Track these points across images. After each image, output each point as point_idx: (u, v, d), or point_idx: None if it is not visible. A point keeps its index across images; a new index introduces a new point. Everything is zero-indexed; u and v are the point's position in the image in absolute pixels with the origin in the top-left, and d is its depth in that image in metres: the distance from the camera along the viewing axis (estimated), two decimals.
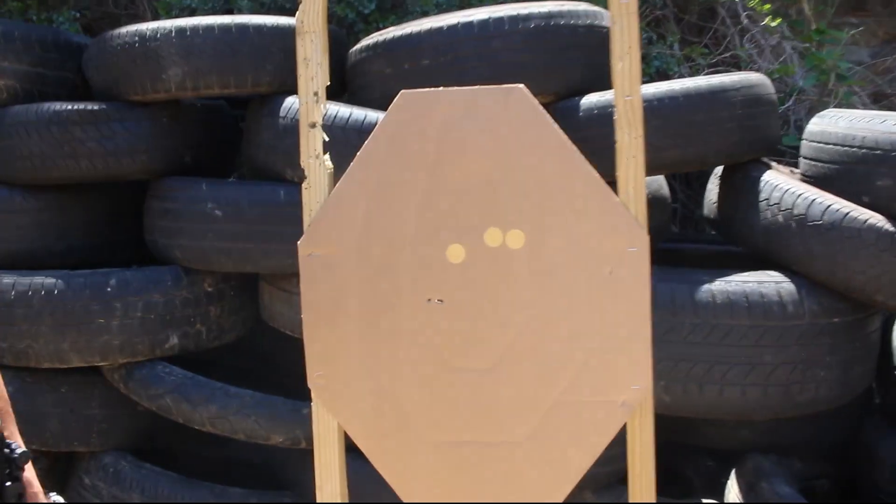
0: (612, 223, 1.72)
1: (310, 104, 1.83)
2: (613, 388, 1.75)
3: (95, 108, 2.76)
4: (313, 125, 1.83)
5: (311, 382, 1.87)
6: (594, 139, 2.14)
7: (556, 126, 1.72)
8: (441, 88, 1.79)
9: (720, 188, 2.82)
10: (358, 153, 1.80)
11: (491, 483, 1.81)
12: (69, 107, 2.76)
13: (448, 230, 1.78)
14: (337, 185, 1.83)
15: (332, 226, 1.83)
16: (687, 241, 3.29)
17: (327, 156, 1.84)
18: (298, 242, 1.85)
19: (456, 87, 1.78)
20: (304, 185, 1.85)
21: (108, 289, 2.68)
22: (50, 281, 2.68)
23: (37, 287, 2.68)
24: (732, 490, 2.67)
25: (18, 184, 2.86)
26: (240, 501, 2.71)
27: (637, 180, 1.73)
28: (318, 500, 1.94)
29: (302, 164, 1.84)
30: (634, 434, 1.77)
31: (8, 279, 2.71)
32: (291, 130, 2.55)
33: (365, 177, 1.81)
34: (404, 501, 1.86)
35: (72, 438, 2.82)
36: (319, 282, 1.84)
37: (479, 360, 1.80)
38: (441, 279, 1.78)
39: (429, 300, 1.80)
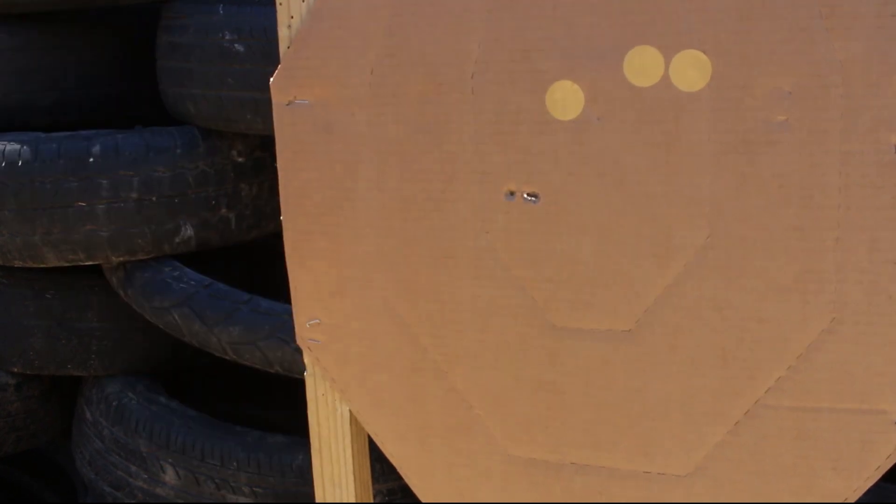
0: None
1: None
2: (884, 388, 0.86)
3: None
4: None
5: (301, 336, 1.05)
6: None
7: None
8: None
9: None
10: None
11: None
12: None
13: (549, 52, 0.89)
14: None
15: (330, 46, 0.97)
16: None
17: None
18: (270, 81, 1.01)
19: None
20: None
21: (91, 159, 1.90)
22: (13, 147, 1.92)
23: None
24: None
25: None
26: (278, 456, 1.95)
27: None
28: None
29: None
30: None
31: None
32: None
33: None
34: None
35: (63, 359, 2.11)
36: (309, 154, 1.00)
37: (608, 315, 0.93)
38: (534, 151, 0.91)
39: (510, 193, 0.93)
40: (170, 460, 1.98)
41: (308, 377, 1.07)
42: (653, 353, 0.90)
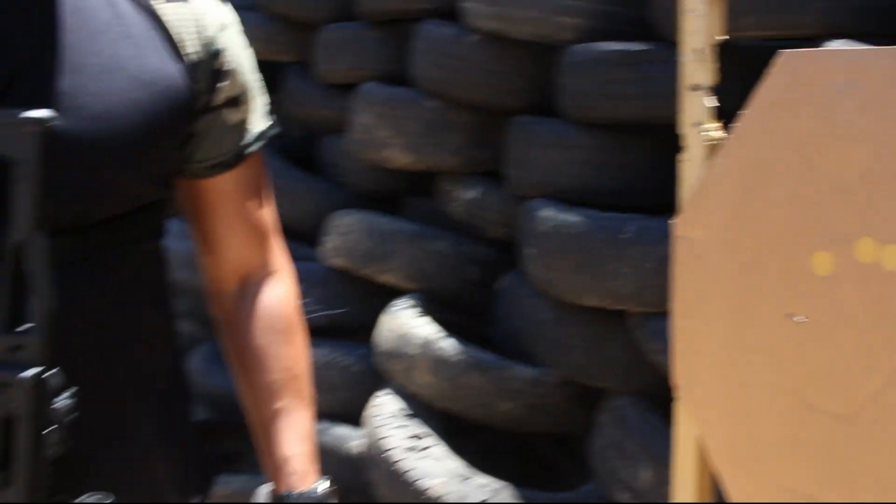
0: None
1: (691, 63, 1.58)
2: None
3: (635, 49, 2.68)
4: (695, 88, 1.58)
5: (675, 380, 1.67)
6: None
7: None
8: (829, 47, 1.42)
9: None
10: (737, 122, 1.52)
11: None
12: (611, 47, 2.72)
13: (815, 233, 1.42)
14: (713, 160, 1.57)
15: (705, 208, 1.59)
16: None
17: (712, 124, 1.58)
18: (675, 221, 1.65)
19: (846, 46, 1.39)
20: (680, 157, 1.63)
21: (625, 234, 2.63)
22: (576, 218, 2.72)
23: (564, 223, 2.74)
24: None
25: (573, 121, 2.93)
26: None
27: None
28: None
29: (679, 131, 1.62)
30: None
31: (547, 212, 2.81)
32: None
33: (739, 154, 1.53)
34: None
35: (593, 374, 2.87)
36: (690, 269, 1.63)
37: (838, 402, 1.42)
38: (803, 292, 1.44)
39: (791, 316, 1.46)
40: (648, 463, 2.64)
41: (676, 406, 1.67)
42: (863, 436, 1.37)
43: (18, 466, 1.07)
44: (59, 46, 1.11)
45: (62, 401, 1.08)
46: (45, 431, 1.07)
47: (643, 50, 2.71)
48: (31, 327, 1.07)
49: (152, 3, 1.18)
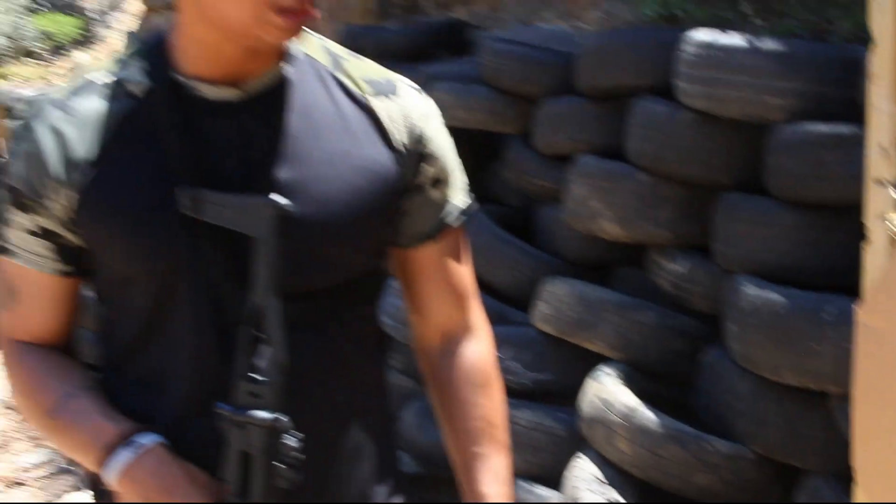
0: None
1: (876, 157, 1.65)
2: None
3: (843, 131, 2.71)
4: (879, 182, 1.65)
5: (854, 461, 1.73)
6: None
7: None
8: None
9: None
10: None
11: None
12: (819, 128, 2.75)
13: None
14: None
15: (887, 298, 1.65)
16: None
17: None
18: (858, 308, 1.72)
19: None
20: (864, 246, 1.70)
21: (825, 315, 2.64)
22: (778, 297, 2.76)
23: (766, 300, 2.78)
24: None
25: (779, 199, 2.97)
26: None
27: None
28: None
29: (865, 221, 1.70)
30: None
31: (750, 288, 2.86)
32: None
33: None
34: None
35: (789, 452, 2.87)
36: (870, 355, 1.69)
37: None
38: None
39: None
40: None
41: (854, 487, 1.72)
42: None
43: (255, 496, 1.28)
44: (291, 142, 1.34)
45: (290, 441, 1.29)
46: (277, 466, 1.28)
47: (851, 132, 2.74)
48: (267, 378, 1.29)
49: (367, 99, 1.38)
